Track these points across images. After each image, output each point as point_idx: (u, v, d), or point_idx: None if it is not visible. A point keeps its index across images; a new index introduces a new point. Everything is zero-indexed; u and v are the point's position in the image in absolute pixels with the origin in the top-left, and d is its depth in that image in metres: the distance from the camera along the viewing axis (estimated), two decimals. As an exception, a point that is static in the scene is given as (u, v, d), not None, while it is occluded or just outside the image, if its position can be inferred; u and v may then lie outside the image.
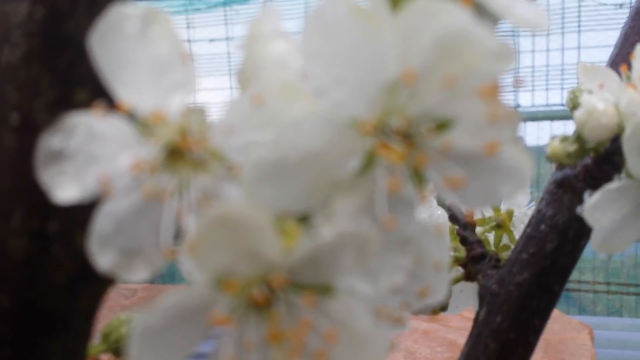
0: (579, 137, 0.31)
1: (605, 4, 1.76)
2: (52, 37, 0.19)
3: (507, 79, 0.18)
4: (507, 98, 0.17)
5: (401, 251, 0.19)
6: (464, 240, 0.39)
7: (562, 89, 1.97)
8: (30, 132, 0.19)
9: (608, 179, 0.31)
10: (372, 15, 0.17)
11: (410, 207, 0.19)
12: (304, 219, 0.19)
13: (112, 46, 0.18)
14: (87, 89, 0.19)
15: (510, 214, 0.40)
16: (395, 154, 0.17)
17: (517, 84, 0.19)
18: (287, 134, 0.18)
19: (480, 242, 0.39)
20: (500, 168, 0.19)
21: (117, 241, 0.19)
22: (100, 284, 0.21)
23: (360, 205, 0.18)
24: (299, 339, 0.18)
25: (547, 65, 1.94)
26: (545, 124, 1.94)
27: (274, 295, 0.18)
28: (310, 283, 0.18)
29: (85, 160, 0.19)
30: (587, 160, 0.32)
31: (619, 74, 0.31)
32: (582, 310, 2.02)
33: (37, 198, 0.19)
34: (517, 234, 0.40)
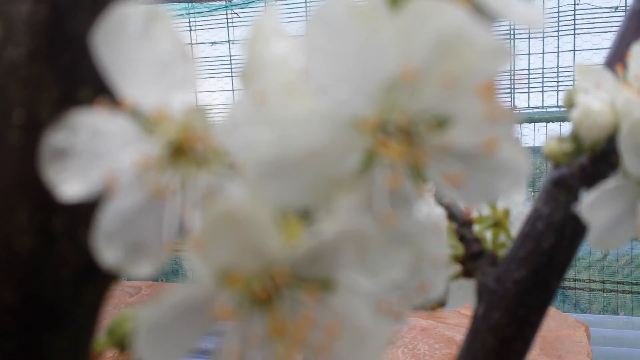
0: (575, 137, 0.30)
1: (600, 7, 1.76)
2: (56, 35, 0.19)
3: (504, 81, 0.18)
4: (504, 100, 0.17)
5: (400, 247, 0.19)
6: (462, 238, 0.39)
7: (558, 91, 1.97)
8: (34, 129, 0.19)
9: (604, 177, 0.31)
10: (373, 15, 0.17)
11: (409, 204, 0.19)
12: (306, 215, 0.19)
13: (116, 44, 0.18)
14: (90, 86, 0.19)
15: (507, 212, 0.40)
16: (395, 152, 0.17)
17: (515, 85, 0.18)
18: (288, 132, 0.18)
19: (478, 240, 0.39)
20: (497, 165, 0.19)
21: (121, 237, 0.19)
22: (104, 279, 0.21)
23: (360, 202, 0.18)
24: (300, 333, 0.18)
25: (543, 68, 1.95)
26: (541, 125, 1.94)
27: (276, 290, 0.18)
28: (312, 278, 0.18)
29: (89, 157, 0.19)
30: (584, 159, 0.32)
31: (616, 74, 0.31)
32: (578, 309, 2.02)
33: (42, 195, 0.19)
34: (514, 232, 0.40)
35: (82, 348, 0.23)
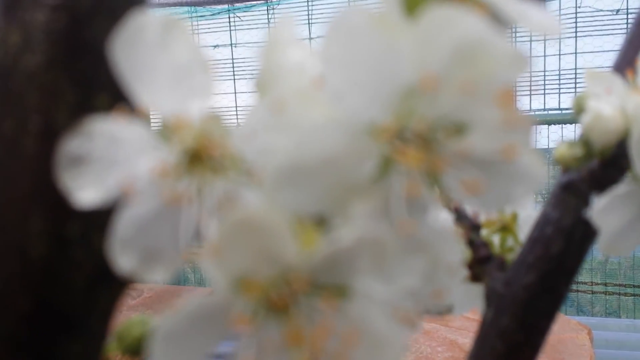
0: (585, 142, 0.30)
1: (601, 10, 1.76)
2: (73, 43, 0.19)
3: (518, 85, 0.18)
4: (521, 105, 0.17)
5: (416, 254, 0.19)
6: (469, 242, 0.39)
7: (560, 93, 1.97)
8: (50, 136, 0.19)
9: (614, 182, 0.31)
10: (391, 24, 0.17)
11: (425, 211, 0.19)
12: (323, 222, 0.19)
13: (133, 52, 0.18)
14: (107, 93, 0.19)
15: (515, 216, 0.40)
16: (412, 159, 0.17)
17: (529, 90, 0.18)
18: (305, 138, 0.18)
19: (485, 245, 0.39)
20: (513, 171, 0.19)
21: (136, 243, 0.19)
22: (118, 285, 0.21)
23: (377, 209, 0.18)
24: (317, 341, 0.18)
25: (544, 71, 1.95)
26: (543, 128, 1.94)
27: (293, 297, 0.18)
28: (329, 285, 0.18)
29: (105, 164, 0.19)
30: (594, 164, 0.32)
31: (625, 79, 0.31)
32: (580, 311, 2.02)
33: (57, 201, 0.19)
34: (522, 236, 0.40)
35: (95, 354, 0.23)
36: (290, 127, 0.18)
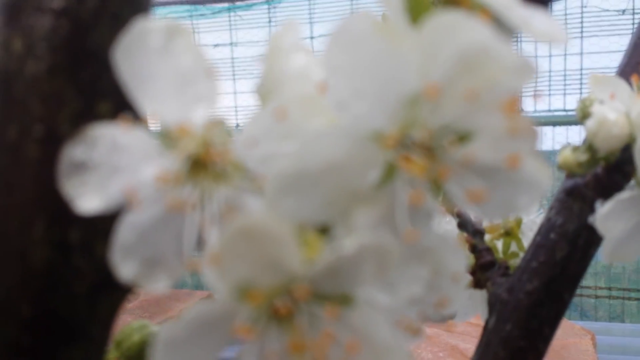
0: (590, 147, 0.31)
1: (607, 10, 1.76)
2: (76, 50, 0.19)
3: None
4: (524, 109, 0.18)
5: (420, 262, 0.19)
6: (472, 248, 0.40)
7: (565, 94, 1.97)
8: (53, 143, 0.19)
9: (619, 188, 0.31)
10: (395, 31, 0.17)
11: (429, 219, 0.19)
12: (325, 230, 0.19)
13: (136, 59, 0.18)
14: (110, 101, 0.20)
15: (519, 221, 0.41)
16: (417, 167, 0.17)
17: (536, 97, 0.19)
18: (308, 146, 0.18)
19: (489, 250, 0.39)
20: (518, 180, 0.19)
21: (139, 251, 0.19)
22: (120, 292, 0.22)
23: (380, 217, 0.19)
24: (320, 350, 0.18)
25: (550, 71, 1.95)
26: (548, 129, 1.94)
27: (295, 306, 0.18)
28: (332, 294, 0.18)
29: (108, 171, 0.19)
30: (598, 169, 0.32)
31: (629, 83, 0.31)
32: (583, 316, 2.02)
33: (59, 208, 0.19)
34: (526, 241, 0.40)
35: (95, 360, 0.23)
36: (292, 134, 0.18)
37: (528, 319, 0.35)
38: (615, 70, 0.37)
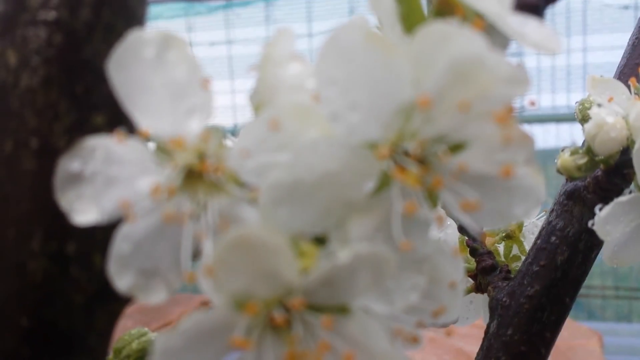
0: (588, 150, 0.31)
1: (610, 6, 1.76)
2: (71, 63, 0.20)
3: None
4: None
5: (416, 271, 0.20)
6: (473, 252, 0.40)
7: (568, 91, 1.97)
8: (49, 155, 0.20)
9: (618, 191, 0.32)
10: (386, 41, 0.17)
11: (426, 228, 0.20)
12: (320, 240, 0.19)
13: (130, 71, 0.19)
14: (104, 113, 0.20)
15: (520, 225, 0.41)
16: (411, 178, 0.18)
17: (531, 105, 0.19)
18: (302, 156, 0.18)
19: (490, 254, 0.39)
20: (514, 188, 0.19)
21: (135, 262, 0.19)
22: (117, 303, 0.22)
23: (375, 226, 0.19)
24: (317, 359, 0.18)
25: (553, 67, 1.95)
26: (551, 126, 1.94)
27: (292, 316, 0.18)
28: (328, 304, 0.18)
29: (104, 183, 0.19)
30: (598, 172, 0.33)
31: (628, 85, 0.32)
32: (591, 316, 2.02)
33: (56, 220, 0.20)
34: (527, 244, 0.41)
35: (94, 371, 0.23)
36: (286, 144, 0.18)
37: (529, 324, 0.35)
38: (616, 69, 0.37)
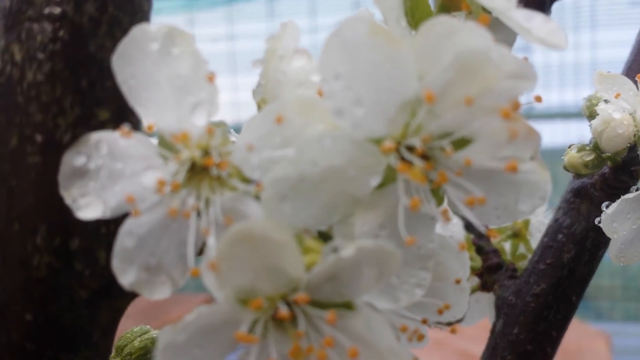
0: (595, 147, 0.31)
1: (619, 2, 1.76)
2: (76, 57, 0.20)
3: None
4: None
5: (422, 267, 0.20)
6: (479, 250, 0.40)
7: (576, 87, 1.97)
8: (53, 150, 0.20)
9: (625, 188, 0.32)
10: (391, 35, 0.18)
11: (431, 224, 0.20)
12: (324, 236, 0.20)
13: (135, 66, 0.19)
14: (109, 108, 0.20)
15: (526, 223, 0.41)
16: (416, 173, 0.18)
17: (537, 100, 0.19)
18: (307, 150, 0.19)
19: (496, 252, 0.39)
20: (519, 184, 0.19)
21: (139, 258, 0.20)
22: (121, 299, 0.22)
23: (380, 222, 0.19)
24: (321, 355, 0.18)
25: (561, 63, 1.95)
26: (559, 122, 1.94)
27: (297, 311, 0.19)
28: (333, 299, 0.19)
29: (108, 177, 0.19)
30: (605, 169, 0.33)
31: (635, 81, 0.32)
32: (599, 316, 2.02)
33: (61, 215, 0.20)
34: (534, 242, 0.41)
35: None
36: (291, 138, 0.19)
37: (535, 322, 0.35)
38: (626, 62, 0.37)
